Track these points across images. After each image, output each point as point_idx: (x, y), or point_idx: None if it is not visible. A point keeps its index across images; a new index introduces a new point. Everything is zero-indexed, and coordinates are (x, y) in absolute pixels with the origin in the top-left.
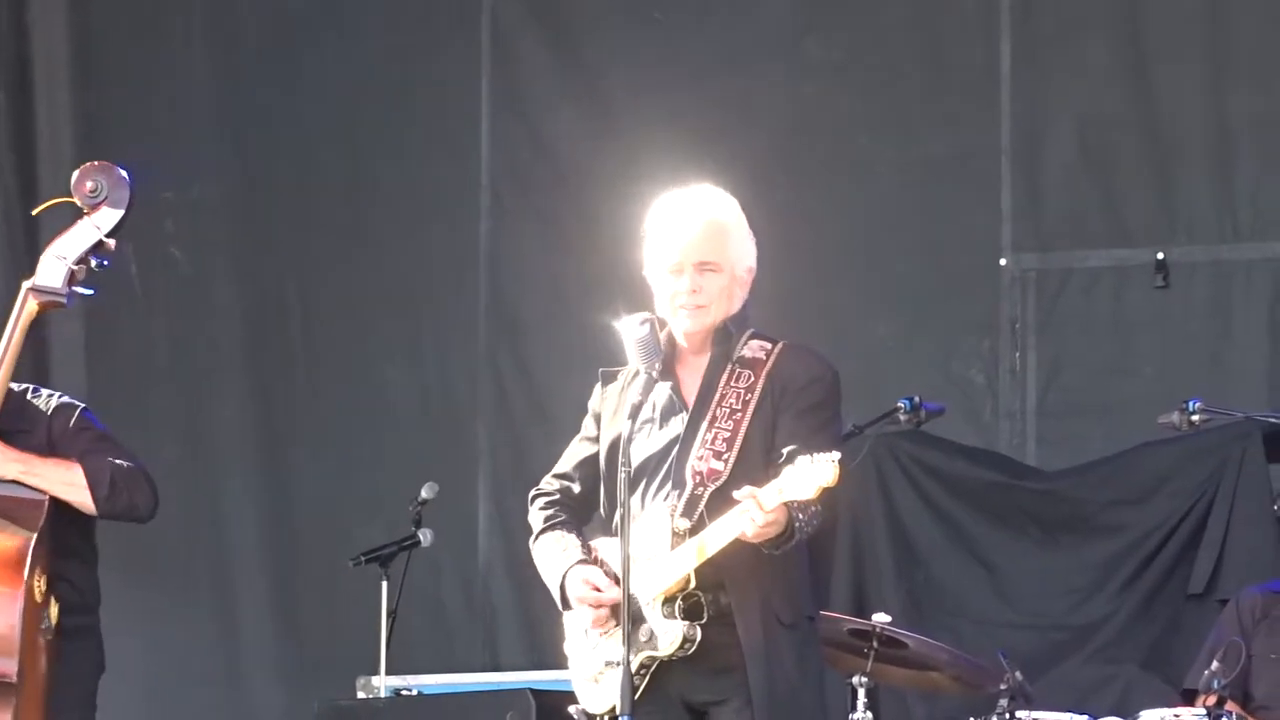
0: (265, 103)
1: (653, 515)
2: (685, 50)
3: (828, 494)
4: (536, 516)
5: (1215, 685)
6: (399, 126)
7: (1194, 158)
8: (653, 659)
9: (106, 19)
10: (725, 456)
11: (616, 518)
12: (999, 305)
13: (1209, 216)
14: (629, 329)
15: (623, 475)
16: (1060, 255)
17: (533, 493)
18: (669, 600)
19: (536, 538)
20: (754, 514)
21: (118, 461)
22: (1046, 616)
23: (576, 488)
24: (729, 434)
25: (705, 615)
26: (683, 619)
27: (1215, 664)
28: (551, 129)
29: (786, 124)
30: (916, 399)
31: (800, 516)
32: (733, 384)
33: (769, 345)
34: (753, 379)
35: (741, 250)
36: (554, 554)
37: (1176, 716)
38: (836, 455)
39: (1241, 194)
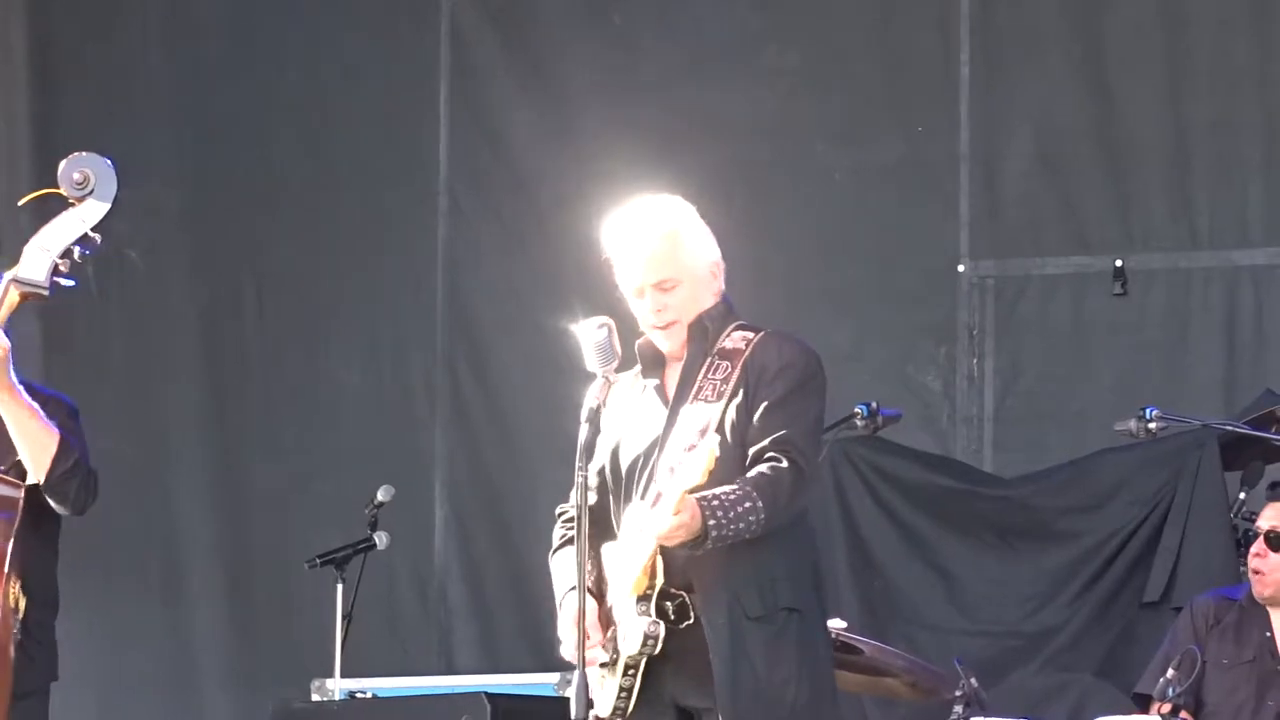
0: (222, 105)
1: (631, 516)
2: (644, 56)
3: (767, 493)
4: (555, 534)
5: (1170, 693)
6: (357, 130)
7: (1152, 166)
8: (633, 658)
9: (64, 20)
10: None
11: (614, 519)
12: (957, 311)
13: (1167, 224)
14: (586, 333)
15: (579, 480)
16: (1018, 262)
17: (558, 509)
18: (643, 599)
19: (552, 555)
20: (655, 520)
21: (87, 457)
22: (1002, 623)
23: (593, 498)
24: (702, 425)
25: (693, 616)
26: (655, 618)
27: (1171, 672)
28: (510, 133)
29: (746, 130)
30: (873, 405)
31: (718, 515)
32: (710, 376)
33: (751, 335)
34: (730, 369)
35: (698, 252)
36: (560, 574)
37: None
38: (716, 439)
39: (1199, 202)
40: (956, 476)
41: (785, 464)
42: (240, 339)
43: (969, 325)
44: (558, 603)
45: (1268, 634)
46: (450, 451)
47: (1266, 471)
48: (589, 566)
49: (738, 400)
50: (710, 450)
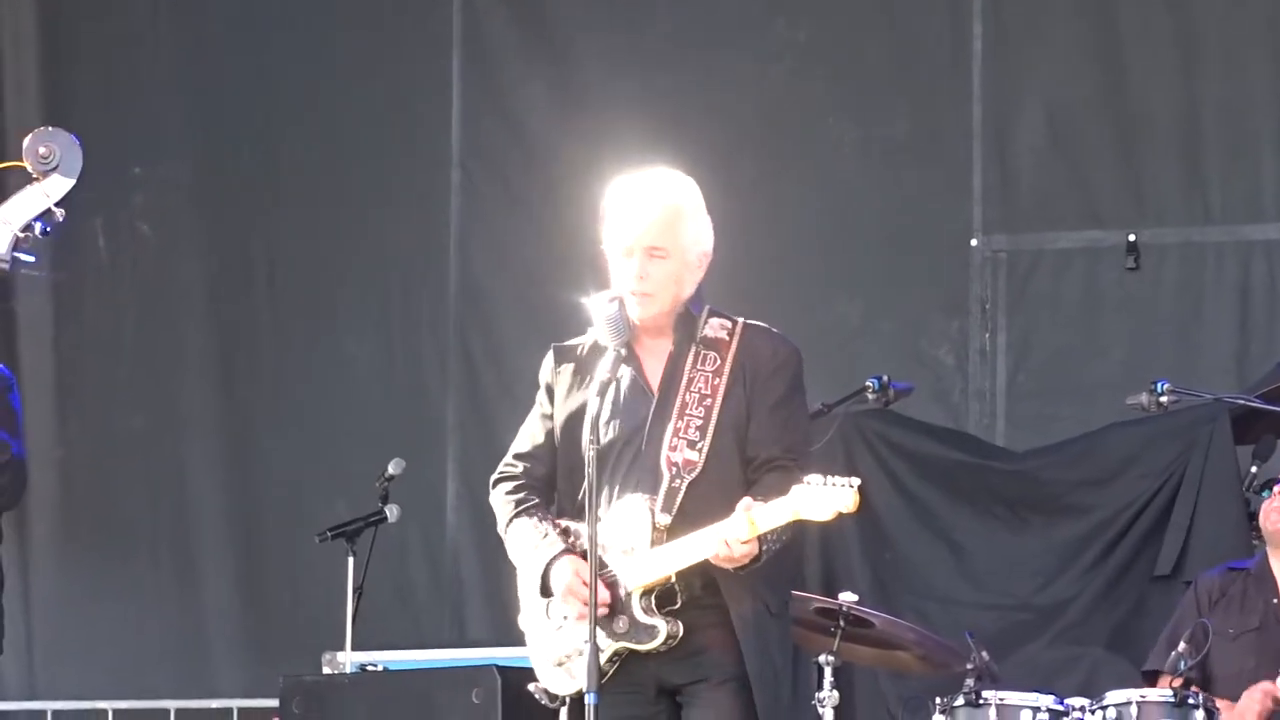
0: (233, 79)
1: (630, 507)
2: (655, 30)
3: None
4: (505, 500)
5: (1182, 666)
6: (369, 104)
7: (1164, 141)
8: (626, 649)
9: None
10: (699, 445)
11: (580, 495)
12: (969, 286)
13: (1179, 199)
14: (599, 306)
15: (591, 452)
16: (1031, 236)
17: (495, 476)
18: (647, 593)
19: (510, 522)
20: (732, 546)
21: (13, 448)
22: (1013, 597)
23: (540, 467)
24: (701, 421)
25: (679, 601)
26: (662, 613)
27: (1182, 645)
28: (522, 107)
29: (757, 104)
30: (885, 378)
31: (768, 540)
32: (700, 367)
33: (729, 324)
34: (719, 362)
35: (695, 235)
36: (533, 540)
37: (1143, 697)
38: (857, 481)
39: (1211, 177)
40: (968, 450)
41: (799, 474)
42: (251, 312)
43: (981, 299)
44: (536, 574)
45: (1275, 600)
46: (462, 424)
47: (1278, 445)
48: (563, 535)
49: (735, 395)
50: (854, 497)
